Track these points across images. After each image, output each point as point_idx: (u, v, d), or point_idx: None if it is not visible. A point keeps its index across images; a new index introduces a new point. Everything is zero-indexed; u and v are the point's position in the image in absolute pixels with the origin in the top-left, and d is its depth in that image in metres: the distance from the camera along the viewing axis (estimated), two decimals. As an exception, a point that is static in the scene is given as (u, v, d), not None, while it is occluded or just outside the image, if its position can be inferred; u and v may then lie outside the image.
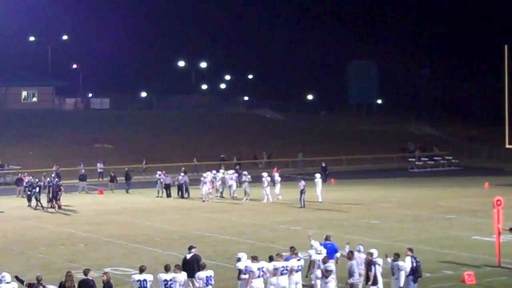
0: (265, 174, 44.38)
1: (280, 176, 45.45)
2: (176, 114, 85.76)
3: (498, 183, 51.56)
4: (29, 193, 42.68)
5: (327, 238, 22.16)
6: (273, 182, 44.64)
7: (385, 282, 20.50)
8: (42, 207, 41.57)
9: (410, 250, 20.71)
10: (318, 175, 43.95)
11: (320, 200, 42.56)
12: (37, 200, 41.89)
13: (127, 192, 50.09)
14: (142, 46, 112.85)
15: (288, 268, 19.71)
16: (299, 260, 20.23)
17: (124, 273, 24.10)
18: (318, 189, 42.90)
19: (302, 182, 41.07)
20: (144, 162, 61.66)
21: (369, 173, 63.98)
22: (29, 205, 42.31)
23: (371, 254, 20.13)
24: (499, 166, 67.51)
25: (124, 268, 25.09)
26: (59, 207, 41.48)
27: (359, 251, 21.04)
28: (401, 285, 19.94)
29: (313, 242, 21.37)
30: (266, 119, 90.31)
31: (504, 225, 25.47)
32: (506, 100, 53.60)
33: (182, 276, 18.78)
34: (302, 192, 40.82)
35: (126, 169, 53.00)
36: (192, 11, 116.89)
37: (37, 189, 42.14)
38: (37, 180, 43.84)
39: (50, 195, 41.71)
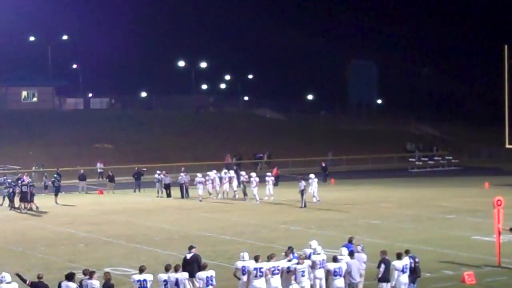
0: (253, 174, 44.61)
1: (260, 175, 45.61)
2: (176, 114, 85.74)
3: (498, 183, 51.56)
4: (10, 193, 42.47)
5: (350, 240, 22.08)
6: (275, 182, 44.85)
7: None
8: (13, 207, 41.72)
9: (406, 251, 20.72)
10: (312, 175, 43.79)
11: (316, 200, 42.46)
12: (10, 200, 42.03)
13: (135, 191, 50.34)
14: (142, 46, 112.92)
15: (280, 268, 19.63)
16: (290, 260, 20.13)
17: (124, 273, 24.09)
18: (314, 189, 42.79)
19: (303, 182, 41.11)
20: (98, 165, 59.89)
21: (369, 173, 64.00)
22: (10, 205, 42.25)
23: (384, 252, 20.30)
24: (499, 166, 67.53)
25: (124, 268, 25.08)
26: (30, 208, 41.28)
27: (358, 251, 21.02)
28: (392, 284, 19.90)
29: (311, 242, 21.35)
30: (266, 119, 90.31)
31: (504, 225, 25.45)
32: (506, 100, 53.59)
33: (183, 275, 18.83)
34: (302, 192, 40.86)
35: (136, 168, 53.06)
36: (192, 11, 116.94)
37: (11, 189, 42.08)
38: (9, 180, 43.87)
39: (26, 195, 41.54)
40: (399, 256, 20.17)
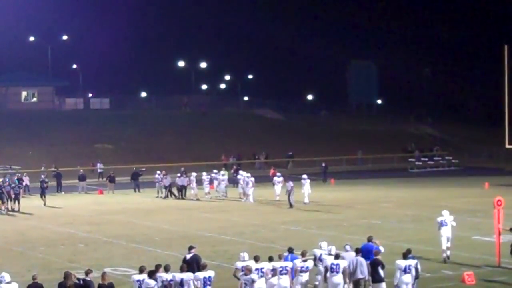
0: (248, 174, 44.59)
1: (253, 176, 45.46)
2: (176, 114, 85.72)
3: (498, 183, 51.56)
4: None
5: (369, 239, 22.09)
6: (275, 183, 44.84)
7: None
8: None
9: (408, 251, 20.70)
10: (305, 176, 43.54)
11: (306, 201, 42.35)
12: None
13: (135, 191, 50.36)
14: (142, 46, 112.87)
15: (288, 268, 19.66)
16: (304, 261, 20.17)
17: (124, 273, 24.08)
18: (306, 190, 42.72)
19: (290, 183, 41.01)
20: (53, 166, 58.01)
21: (369, 173, 63.99)
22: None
23: (378, 252, 20.30)
24: (499, 166, 67.50)
25: (124, 268, 25.08)
26: (15, 209, 41.11)
27: (347, 250, 20.99)
28: (394, 283, 19.89)
29: (322, 243, 21.38)
30: (266, 119, 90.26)
31: (504, 225, 25.44)
32: (506, 100, 53.61)
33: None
34: (289, 192, 40.71)
35: (134, 168, 52.99)
36: (192, 11, 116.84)
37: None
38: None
39: (10, 196, 41.34)
40: (404, 256, 20.14)
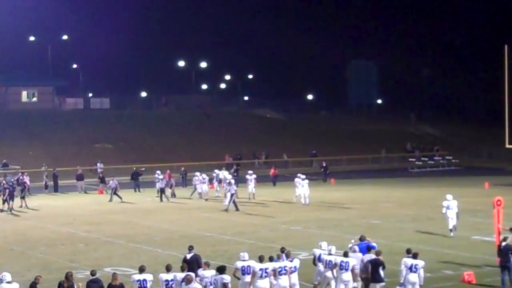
0: (226, 173, 44.72)
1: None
2: (176, 114, 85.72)
3: (498, 183, 51.58)
4: None
5: (361, 238, 22.09)
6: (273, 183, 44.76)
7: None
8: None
9: (408, 251, 20.71)
10: (303, 176, 42.95)
11: (303, 202, 42.26)
12: None
13: (135, 191, 50.15)
14: (142, 46, 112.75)
15: (287, 269, 19.67)
16: (291, 261, 20.18)
17: (124, 273, 24.05)
18: (305, 190, 42.49)
19: (233, 187, 40.44)
20: (98, 165, 58.41)
21: (369, 173, 64.00)
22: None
23: (378, 253, 20.31)
24: (499, 166, 67.53)
25: (124, 268, 25.08)
26: (4, 210, 41.02)
27: (354, 251, 21.02)
28: (401, 281, 19.89)
29: (322, 243, 21.40)
30: (266, 119, 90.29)
31: (504, 225, 25.44)
32: (506, 100, 53.63)
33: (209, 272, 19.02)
34: (232, 195, 40.13)
35: (134, 168, 52.89)
36: (192, 11, 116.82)
37: None
38: None
39: (6, 196, 41.17)
40: (415, 256, 20.10)
